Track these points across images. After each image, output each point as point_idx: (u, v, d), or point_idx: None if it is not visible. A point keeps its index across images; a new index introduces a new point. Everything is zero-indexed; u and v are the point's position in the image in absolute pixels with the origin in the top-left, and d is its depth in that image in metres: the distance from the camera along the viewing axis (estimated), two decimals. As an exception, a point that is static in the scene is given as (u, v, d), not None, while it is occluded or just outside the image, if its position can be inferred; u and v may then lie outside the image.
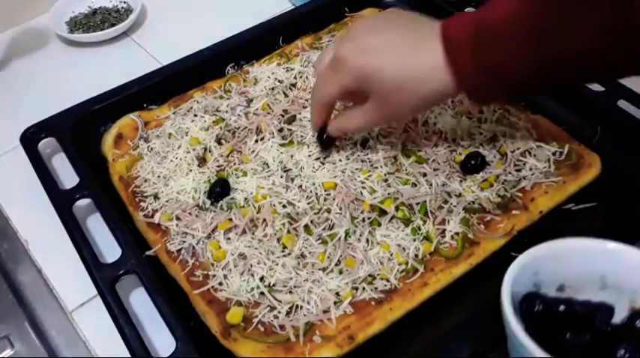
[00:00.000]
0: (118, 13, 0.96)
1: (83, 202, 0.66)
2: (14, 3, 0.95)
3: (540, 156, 0.66)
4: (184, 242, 0.61)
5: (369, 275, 0.57)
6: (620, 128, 0.69)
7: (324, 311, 0.55)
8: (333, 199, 0.63)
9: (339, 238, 0.59)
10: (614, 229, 0.61)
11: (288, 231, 0.60)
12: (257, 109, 0.73)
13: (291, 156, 0.67)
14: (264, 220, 0.61)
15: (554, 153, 0.66)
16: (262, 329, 0.55)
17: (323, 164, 0.66)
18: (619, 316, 0.50)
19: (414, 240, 0.59)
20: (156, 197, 0.65)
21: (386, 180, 0.64)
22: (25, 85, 0.87)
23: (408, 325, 0.56)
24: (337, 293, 0.56)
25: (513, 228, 0.61)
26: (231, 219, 0.62)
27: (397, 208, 0.62)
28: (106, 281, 0.57)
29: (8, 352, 0.60)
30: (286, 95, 0.75)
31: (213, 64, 0.80)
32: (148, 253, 0.61)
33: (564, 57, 0.51)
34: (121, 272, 0.58)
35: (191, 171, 0.67)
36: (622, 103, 0.71)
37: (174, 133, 0.71)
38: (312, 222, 0.61)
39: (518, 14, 0.51)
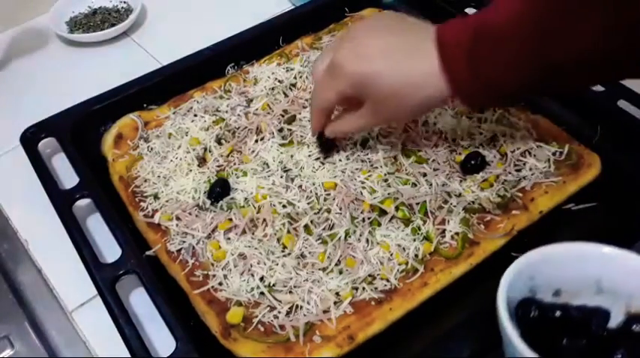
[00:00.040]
0: (118, 13, 0.96)
1: (83, 202, 0.66)
2: (14, 3, 0.95)
3: (540, 156, 0.66)
4: (184, 242, 0.61)
5: (369, 275, 0.57)
6: (620, 128, 0.69)
7: (324, 311, 0.55)
8: (333, 199, 0.63)
9: (339, 238, 0.59)
10: (613, 229, 0.62)
11: (288, 231, 0.60)
12: (257, 109, 0.73)
13: (291, 156, 0.67)
14: (264, 220, 0.61)
15: (554, 153, 0.66)
16: (262, 329, 0.55)
17: (323, 164, 0.66)
18: (615, 320, 0.49)
19: (414, 240, 0.59)
20: (156, 197, 0.65)
21: (386, 180, 0.64)
22: (25, 85, 0.87)
23: (408, 325, 0.56)
24: (337, 293, 0.56)
25: (513, 228, 0.61)
26: (231, 219, 0.62)
27: (397, 208, 0.62)
28: (106, 281, 0.57)
29: (8, 352, 0.60)
30: (286, 95, 0.75)
31: (213, 64, 0.80)
32: (148, 253, 0.61)
33: (566, 58, 0.50)
34: (121, 272, 0.58)
35: (191, 171, 0.67)
36: (622, 103, 0.71)
37: (174, 133, 0.71)
38: (312, 222, 0.61)
39: (521, 14, 0.51)
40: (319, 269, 0.58)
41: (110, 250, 0.61)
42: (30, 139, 0.71)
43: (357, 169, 0.65)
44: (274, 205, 0.63)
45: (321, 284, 0.57)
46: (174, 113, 0.74)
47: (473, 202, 0.62)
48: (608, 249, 0.50)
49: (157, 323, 0.55)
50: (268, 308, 0.56)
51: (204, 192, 0.65)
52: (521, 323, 0.48)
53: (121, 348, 0.53)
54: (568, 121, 0.71)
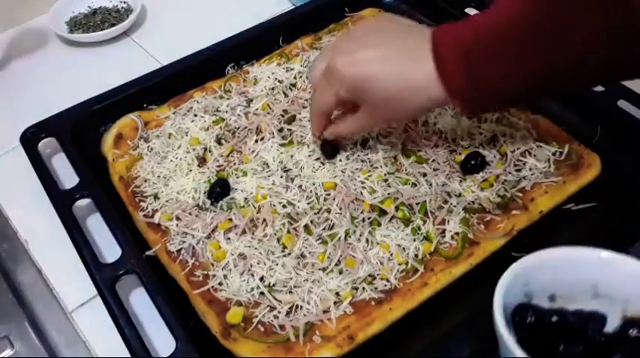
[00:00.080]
0: (118, 13, 0.96)
1: (83, 202, 0.65)
2: (14, 3, 0.94)
3: (540, 156, 0.66)
4: (184, 242, 0.61)
5: (369, 275, 0.57)
6: (620, 128, 0.69)
7: (324, 311, 0.55)
8: (333, 199, 0.63)
9: (339, 238, 0.59)
10: (613, 229, 0.62)
11: (288, 231, 0.60)
12: (257, 109, 0.73)
13: (291, 156, 0.67)
14: (264, 220, 0.61)
15: (554, 153, 0.66)
16: (262, 329, 0.55)
17: (323, 164, 0.66)
18: (611, 325, 0.49)
19: (414, 240, 0.59)
20: (156, 197, 0.65)
21: (386, 180, 0.64)
22: (25, 85, 0.87)
23: (408, 325, 0.56)
24: (337, 293, 0.56)
25: (513, 228, 0.61)
26: (231, 219, 0.62)
27: (397, 208, 0.62)
28: (106, 281, 0.57)
29: (8, 352, 0.60)
30: (286, 95, 0.75)
31: (213, 64, 0.80)
32: (148, 253, 0.61)
33: (567, 60, 0.50)
34: (121, 272, 0.58)
35: (191, 171, 0.67)
36: (622, 103, 0.71)
37: (174, 133, 0.71)
38: (312, 222, 0.61)
39: (521, 15, 0.51)
40: (319, 269, 0.58)
41: (110, 250, 0.61)
42: (30, 139, 0.71)
43: (357, 169, 0.65)
44: (274, 205, 0.63)
45: (321, 284, 0.57)
46: (174, 113, 0.74)
47: (473, 202, 0.62)
48: (605, 254, 0.49)
49: (157, 323, 0.55)
50: (268, 308, 0.55)
51: (204, 192, 0.65)
52: (517, 328, 0.47)
53: (121, 348, 0.53)
54: (568, 121, 0.71)
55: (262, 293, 0.56)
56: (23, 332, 0.61)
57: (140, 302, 0.59)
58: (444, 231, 0.60)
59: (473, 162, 0.65)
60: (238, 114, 0.73)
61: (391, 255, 0.59)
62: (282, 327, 0.54)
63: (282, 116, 0.72)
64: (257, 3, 0.96)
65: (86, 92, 0.76)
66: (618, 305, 0.49)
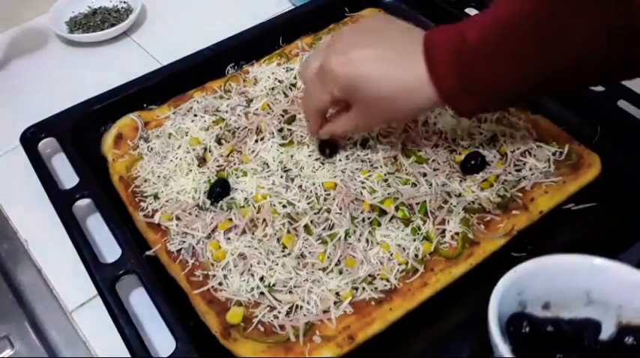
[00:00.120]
0: (118, 13, 0.96)
1: (83, 202, 0.65)
2: (14, 3, 0.94)
3: (540, 156, 0.66)
4: (184, 242, 0.61)
5: (369, 275, 0.57)
6: (620, 128, 0.69)
7: (324, 311, 0.55)
8: (333, 199, 0.63)
9: (339, 238, 0.59)
10: (613, 229, 0.62)
11: (288, 231, 0.60)
12: (257, 109, 0.73)
13: (291, 156, 0.67)
14: (264, 220, 0.61)
15: (554, 153, 0.66)
16: (262, 329, 0.55)
17: (323, 164, 0.66)
18: (606, 332, 0.49)
19: (414, 240, 0.59)
20: (156, 197, 0.65)
21: (386, 180, 0.64)
22: (25, 85, 0.86)
23: (408, 325, 0.56)
24: (337, 293, 0.56)
25: (513, 228, 0.61)
26: (231, 219, 0.62)
27: (397, 208, 0.62)
28: (106, 281, 0.57)
29: (8, 352, 0.60)
30: (286, 95, 0.75)
31: (213, 64, 0.80)
32: (148, 253, 0.61)
33: (567, 60, 0.50)
34: (121, 272, 0.58)
35: (191, 171, 0.67)
36: (622, 103, 0.71)
37: (174, 133, 0.71)
38: (312, 222, 0.61)
39: (520, 14, 0.51)
40: (319, 269, 0.58)
41: (110, 250, 0.61)
42: (30, 139, 0.71)
43: (357, 169, 0.65)
44: (274, 205, 0.63)
45: (321, 284, 0.57)
46: (174, 113, 0.74)
47: (473, 202, 0.62)
48: (598, 261, 0.49)
49: (157, 323, 0.55)
50: (268, 308, 0.55)
51: (204, 192, 0.65)
52: (512, 338, 0.47)
53: (121, 348, 0.53)
54: (568, 121, 0.71)
55: (262, 293, 0.56)
56: (23, 332, 0.61)
57: (140, 302, 0.59)
58: (444, 231, 0.60)
59: (473, 162, 0.65)
60: (238, 114, 0.73)
61: (391, 255, 0.59)
62: (282, 327, 0.54)
63: (282, 116, 0.72)
64: (257, 3, 0.96)
65: (86, 92, 0.76)
66: (612, 311, 0.49)
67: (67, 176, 0.68)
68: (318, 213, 0.62)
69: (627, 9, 0.48)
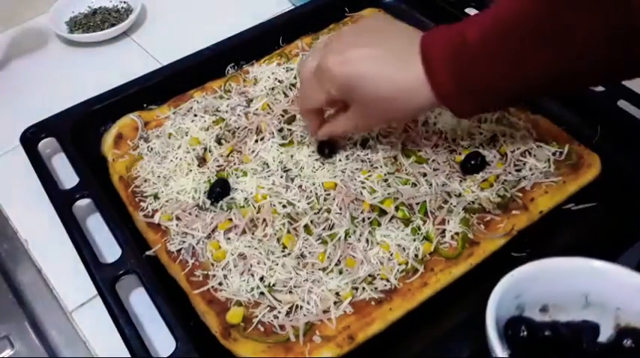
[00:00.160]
0: (118, 13, 0.96)
1: (83, 202, 0.65)
2: (14, 3, 0.94)
3: (540, 156, 0.66)
4: (184, 242, 0.61)
5: (369, 275, 0.57)
6: (620, 128, 0.69)
7: (324, 311, 0.55)
8: (333, 199, 0.63)
9: (339, 238, 0.59)
10: (613, 229, 0.62)
11: (288, 231, 0.60)
12: (257, 109, 0.73)
13: (291, 156, 0.67)
14: (264, 220, 0.61)
15: (554, 153, 0.66)
16: (262, 329, 0.55)
17: (323, 164, 0.66)
18: (605, 335, 0.49)
19: (414, 240, 0.59)
20: (156, 197, 0.65)
21: (386, 180, 0.64)
22: (25, 85, 0.86)
23: (408, 325, 0.56)
24: (337, 293, 0.56)
25: (513, 228, 0.61)
26: (231, 219, 0.62)
27: (397, 208, 0.62)
28: (106, 281, 0.57)
29: (8, 352, 0.60)
30: (286, 95, 0.75)
31: (213, 64, 0.80)
32: (148, 253, 0.61)
33: (567, 60, 0.50)
34: (121, 272, 0.58)
35: (191, 171, 0.67)
36: (622, 103, 0.71)
37: (174, 133, 0.71)
38: (312, 222, 0.61)
39: (520, 14, 0.51)
40: (319, 269, 0.58)
41: (110, 250, 0.61)
42: (30, 139, 0.71)
43: (357, 169, 0.65)
44: (274, 205, 0.63)
45: (321, 284, 0.57)
46: (174, 113, 0.74)
47: (473, 202, 0.62)
48: (597, 263, 0.49)
49: (157, 323, 0.55)
50: (268, 308, 0.55)
51: (204, 192, 0.65)
52: (510, 342, 0.47)
53: (121, 348, 0.53)
54: (568, 121, 0.71)
55: (262, 293, 0.56)
56: (23, 332, 0.61)
57: (140, 302, 0.59)
58: (444, 231, 0.60)
59: (473, 162, 0.65)
60: (238, 114, 0.73)
61: (391, 255, 0.59)
62: (282, 327, 0.54)
63: (282, 116, 0.72)
64: (257, 3, 0.96)
65: (86, 92, 0.76)
66: (610, 314, 0.49)
67: (67, 176, 0.68)
68: (318, 213, 0.62)
69: (627, 9, 0.48)
